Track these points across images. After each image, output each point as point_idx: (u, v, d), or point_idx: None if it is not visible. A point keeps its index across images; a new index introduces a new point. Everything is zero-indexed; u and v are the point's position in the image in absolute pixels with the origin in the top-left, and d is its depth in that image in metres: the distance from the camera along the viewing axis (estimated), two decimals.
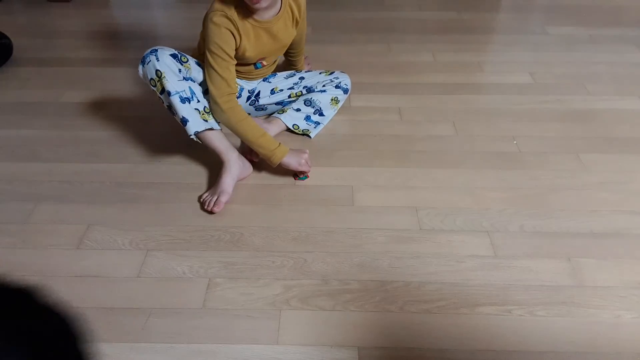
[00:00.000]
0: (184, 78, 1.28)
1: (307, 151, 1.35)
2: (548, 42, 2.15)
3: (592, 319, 1.00)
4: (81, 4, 2.55)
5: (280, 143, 1.31)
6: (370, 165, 1.42)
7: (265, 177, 1.38)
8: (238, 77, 1.42)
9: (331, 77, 1.59)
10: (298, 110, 1.54)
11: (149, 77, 1.26)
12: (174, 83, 1.24)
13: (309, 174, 1.37)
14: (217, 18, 1.23)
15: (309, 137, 1.53)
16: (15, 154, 1.47)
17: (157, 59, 1.24)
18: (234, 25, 1.25)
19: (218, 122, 1.31)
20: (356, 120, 1.62)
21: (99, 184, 1.36)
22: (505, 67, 1.95)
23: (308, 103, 1.55)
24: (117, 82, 1.83)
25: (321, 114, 1.56)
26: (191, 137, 1.27)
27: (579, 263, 1.12)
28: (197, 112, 1.27)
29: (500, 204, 1.28)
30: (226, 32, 1.25)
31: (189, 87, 1.27)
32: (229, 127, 1.30)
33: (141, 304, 1.03)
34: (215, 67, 1.26)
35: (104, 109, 1.68)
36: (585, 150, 1.48)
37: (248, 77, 1.49)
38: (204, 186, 1.35)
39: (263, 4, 1.22)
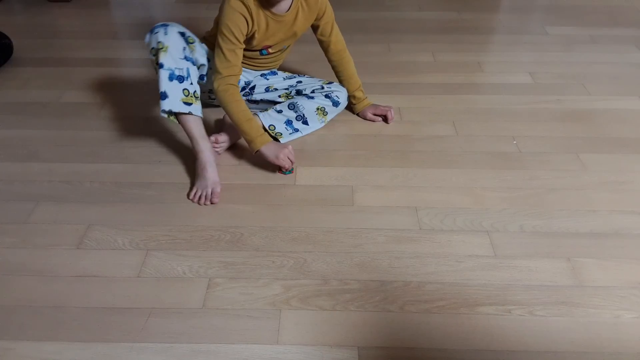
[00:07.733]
0: (186, 57, 1.32)
1: (290, 147, 1.36)
2: (548, 42, 2.15)
3: (592, 319, 1.00)
4: (81, 4, 2.55)
5: (264, 133, 1.36)
6: (370, 165, 1.42)
7: (265, 177, 1.38)
8: (242, 64, 1.42)
9: (326, 86, 1.54)
10: (280, 112, 1.49)
11: (151, 46, 1.31)
12: (172, 59, 1.28)
13: (294, 169, 1.38)
14: (234, 2, 1.29)
15: (278, 140, 1.47)
16: (15, 154, 1.47)
17: (165, 33, 1.29)
18: (248, 11, 1.30)
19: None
20: (356, 120, 1.62)
21: (99, 184, 1.36)
22: (505, 67, 1.95)
23: (291, 107, 1.50)
24: (117, 82, 1.83)
25: (305, 122, 1.51)
26: (162, 112, 1.30)
27: (578, 263, 1.12)
28: (183, 93, 1.30)
29: (500, 204, 1.28)
30: (239, 17, 1.30)
31: (187, 68, 1.31)
32: (221, 104, 1.35)
33: (141, 304, 1.03)
34: (223, 48, 1.31)
35: (104, 109, 1.68)
36: (585, 150, 1.48)
37: (253, 64, 1.51)
38: None
39: None
